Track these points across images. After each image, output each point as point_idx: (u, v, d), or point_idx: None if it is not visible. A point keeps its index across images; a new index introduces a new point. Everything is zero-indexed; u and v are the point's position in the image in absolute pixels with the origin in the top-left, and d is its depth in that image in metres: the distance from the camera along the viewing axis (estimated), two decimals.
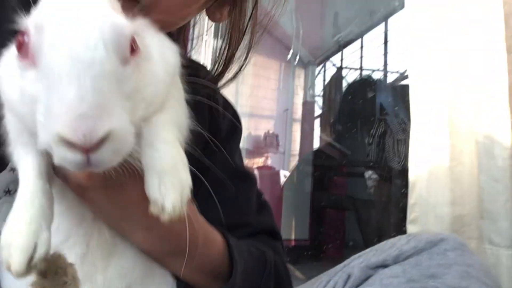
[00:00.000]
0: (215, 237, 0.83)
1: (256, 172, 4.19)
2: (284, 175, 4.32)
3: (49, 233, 0.56)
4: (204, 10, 0.97)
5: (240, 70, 1.03)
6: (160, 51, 0.60)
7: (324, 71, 5.07)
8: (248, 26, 0.99)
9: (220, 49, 1.02)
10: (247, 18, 0.99)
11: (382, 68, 4.18)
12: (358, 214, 3.53)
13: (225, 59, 1.01)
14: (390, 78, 4.06)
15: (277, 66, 5.31)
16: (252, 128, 4.81)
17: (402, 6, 3.08)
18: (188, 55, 1.20)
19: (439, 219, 1.84)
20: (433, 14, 1.94)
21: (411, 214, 1.96)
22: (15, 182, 0.81)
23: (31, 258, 0.53)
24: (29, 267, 0.52)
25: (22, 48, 0.49)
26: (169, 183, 0.55)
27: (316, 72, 5.17)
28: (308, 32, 4.42)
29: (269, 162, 4.75)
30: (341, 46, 4.69)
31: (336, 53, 4.85)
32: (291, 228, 4.05)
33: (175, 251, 0.71)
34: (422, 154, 1.93)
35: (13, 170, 0.80)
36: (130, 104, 0.50)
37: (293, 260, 3.66)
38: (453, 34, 1.91)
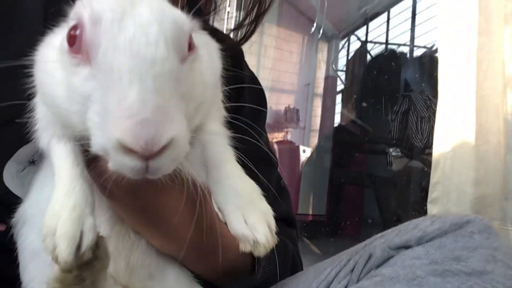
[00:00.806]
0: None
1: (275, 146, 4.19)
2: (303, 150, 4.30)
3: (94, 219, 0.53)
4: None
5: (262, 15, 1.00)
6: (207, 50, 0.57)
7: (348, 45, 4.96)
8: None
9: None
10: None
11: (409, 42, 4.06)
12: (377, 192, 3.50)
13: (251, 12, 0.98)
14: (417, 53, 3.95)
15: (299, 39, 5.23)
16: (273, 103, 4.78)
17: None
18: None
19: (461, 199, 1.80)
20: None
21: (433, 193, 1.93)
22: (39, 153, 0.82)
23: (78, 247, 0.49)
24: (77, 256, 0.49)
25: (75, 43, 0.46)
26: (253, 216, 0.55)
27: (340, 46, 5.07)
28: (333, 4, 4.31)
29: (289, 137, 4.74)
30: (367, 19, 4.56)
31: (361, 27, 4.73)
32: (309, 203, 4.06)
33: (193, 257, 0.70)
34: (447, 131, 1.88)
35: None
36: (184, 105, 0.47)
37: (309, 235, 3.68)
38: (487, 5, 1.83)
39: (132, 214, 0.65)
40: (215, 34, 0.68)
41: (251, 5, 0.98)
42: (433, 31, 3.43)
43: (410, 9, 4.08)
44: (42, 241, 0.50)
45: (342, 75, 4.83)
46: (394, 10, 4.36)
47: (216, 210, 0.60)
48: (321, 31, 4.72)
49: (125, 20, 0.44)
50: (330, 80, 4.92)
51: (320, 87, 5.06)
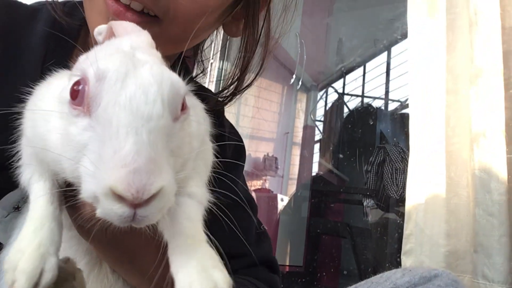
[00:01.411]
0: None
1: (253, 194, 4.18)
2: (281, 198, 4.30)
3: (57, 259, 0.54)
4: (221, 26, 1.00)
5: (254, 80, 1.05)
6: (193, 111, 0.61)
7: (326, 96, 5.10)
8: (262, 34, 1.01)
9: (234, 66, 1.05)
10: (260, 25, 1.01)
11: (383, 96, 4.21)
12: (354, 242, 3.50)
13: (238, 77, 1.03)
14: (391, 107, 4.09)
15: (279, 89, 5.35)
16: (252, 150, 4.82)
17: (405, 36, 3.14)
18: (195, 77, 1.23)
19: (434, 252, 1.83)
20: (435, 45, 1.97)
21: (406, 245, 1.95)
22: (24, 199, 0.83)
23: (36, 284, 0.51)
24: None
25: (77, 97, 0.50)
26: None
27: (318, 97, 5.21)
28: (311, 57, 4.47)
29: (267, 185, 4.74)
30: (343, 73, 4.74)
31: (338, 79, 4.90)
32: (286, 253, 4.01)
33: None
34: (419, 184, 1.94)
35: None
36: (173, 160, 0.51)
37: (286, 287, 3.61)
38: (454, 67, 1.94)
39: (112, 255, 0.67)
40: (201, 92, 0.73)
41: (231, 81, 1.05)
42: (406, 86, 3.58)
43: (385, 65, 4.27)
44: (4, 275, 0.51)
45: (320, 125, 4.94)
46: (369, 65, 4.55)
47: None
48: (300, 82, 4.86)
49: (128, 79, 0.49)
50: (308, 130, 5.02)
51: (298, 136, 5.14)
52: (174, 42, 0.85)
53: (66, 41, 0.89)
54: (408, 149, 2.07)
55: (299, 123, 5.22)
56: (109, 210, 0.44)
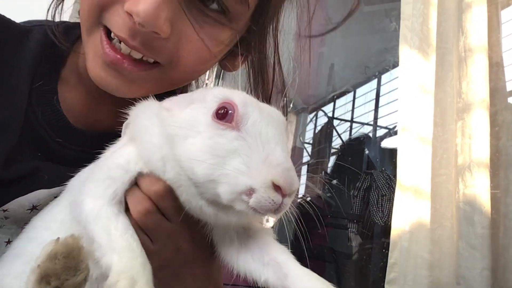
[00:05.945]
0: None
1: None
2: (267, 219, 4.27)
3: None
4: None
5: None
6: None
7: (316, 119, 5.14)
8: (276, 64, 1.07)
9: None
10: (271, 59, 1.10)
11: (371, 122, 4.25)
12: (338, 267, 3.49)
13: None
14: (379, 133, 4.13)
15: None
16: None
17: (395, 66, 3.20)
18: None
19: (417, 282, 1.84)
20: (425, 78, 2.01)
21: (390, 273, 1.96)
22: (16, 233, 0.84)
23: None
24: None
25: (225, 116, 0.63)
26: None
27: (308, 120, 5.24)
28: (303, 80, 4.51)
29: None
30: (334, 97, 4.78)
31: (328, 103, 4.94)
32: None
33: None
34: (405, 213, 1.95)
35: (32, 209, 0.85)
36: None
37: None
38: (442, 100, 1.98)
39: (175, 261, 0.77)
40: None
41: None
42: (394, 114, 3.63)
43: (374, 92, 4.32)
44: None
45: (308, 147, 4.95)
46: (360, 91, 4.61)
47: None
48: (291, 104, 4.88)
49: (260, 106, 0.65)
50: (296, 151, 5.03)
51: None
52: (174, 84, 0.89)
53: (55, 63, 0.89)
54: (394, 176, 2.09)
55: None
56: (266, 198, 0.57)
